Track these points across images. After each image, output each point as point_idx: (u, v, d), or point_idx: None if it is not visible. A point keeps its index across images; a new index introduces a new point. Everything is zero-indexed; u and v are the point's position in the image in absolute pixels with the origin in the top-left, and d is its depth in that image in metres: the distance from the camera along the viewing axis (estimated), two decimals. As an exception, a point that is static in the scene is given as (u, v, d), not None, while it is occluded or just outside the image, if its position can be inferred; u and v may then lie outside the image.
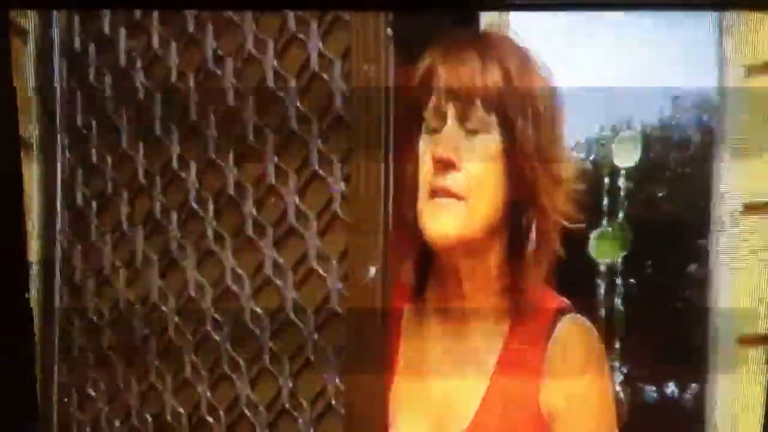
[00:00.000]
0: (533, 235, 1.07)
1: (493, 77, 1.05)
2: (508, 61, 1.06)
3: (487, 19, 1.21)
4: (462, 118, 1.06)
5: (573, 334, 1.09)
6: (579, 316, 1.10)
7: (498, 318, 1.10)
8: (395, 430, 1.10)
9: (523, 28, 1.26)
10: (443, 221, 1.06)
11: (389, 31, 1.05)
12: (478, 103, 1.05)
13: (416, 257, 1.13)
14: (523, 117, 1.05)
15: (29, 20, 1.33)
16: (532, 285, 1.09)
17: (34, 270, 1.33)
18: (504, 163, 1.06)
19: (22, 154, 1.30)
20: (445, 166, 1.05)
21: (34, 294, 1.32)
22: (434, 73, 1.07)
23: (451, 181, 1.05)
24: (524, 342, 1.09)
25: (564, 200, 1.08)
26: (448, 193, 1.05)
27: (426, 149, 1.07)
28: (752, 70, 1.21)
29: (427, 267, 1.13)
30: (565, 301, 1.11)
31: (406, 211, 1.08)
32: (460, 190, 1.05)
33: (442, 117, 1.07)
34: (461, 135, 1.06)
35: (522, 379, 1.07)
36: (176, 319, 1.21)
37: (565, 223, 1.09)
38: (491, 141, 1.06)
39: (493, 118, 1.05)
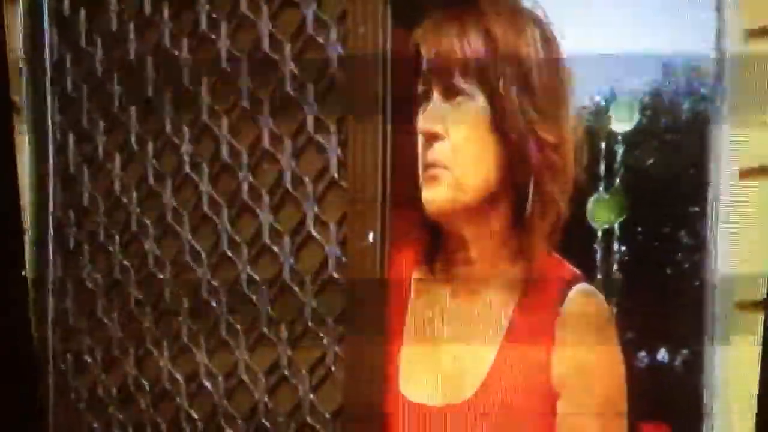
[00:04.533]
0: (530, 198, 1.07)
1: (473, 44, 1.05)
2: (493, 23, 1.06)
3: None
4: (445, 90, 1.06)
5: (584, 304, 1.09)
6: (589, 285, 1.11)
7: (508, 285, 1.10)
8: (404, 395, 1.10)
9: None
10: (433, 192, 1.07)
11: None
12: (457, 73, 1.05)
13: (424, 228, 1.13)
14: (505, 80, 1.05)
15: (18, -17, 1.31)
16: (538, 249, 1.09)
17: (27, 237, 1.32)
18: (493, 129, 1.06)
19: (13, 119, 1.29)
20: (431, 138, 1.06)
21: (26, 261, 1.32)
22: (418, 50, 1.08)
23: (438, 152, 1.06)
24: (535, 310, 1.09)
25: (566, 163, 1.08)
26: (436, 165, 1.06)
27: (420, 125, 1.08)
28: (751, 35, 1.20)
29: (436, 237, 1.13)
30: (575, 270, 1.11)
31: (408, 184, 1.09)
32: (446, 159, 1.06)
33: (429, 92, 1.08)
34: (446, 107, 1.07)
35: (532, 347, 1.07)
36: (172, 285, 1.20)
37: (571, 186, 1.09)
38: (476, 109, 1.06)
39: (475, 86, 1.05)
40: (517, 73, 1.05)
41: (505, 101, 1.05)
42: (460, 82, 1.06)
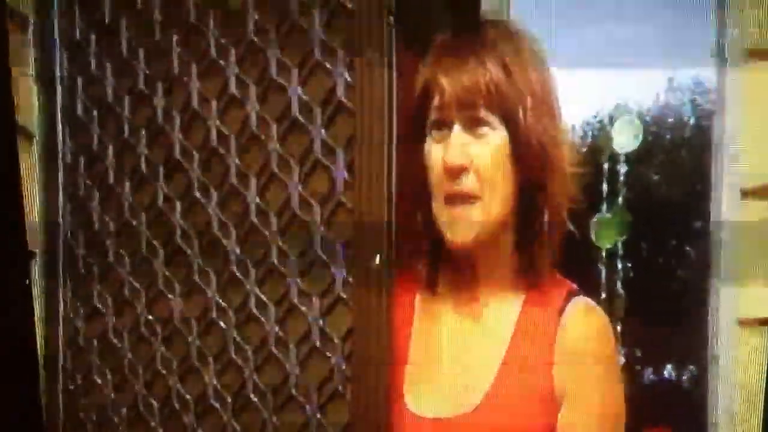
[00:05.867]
0: (544, 218, 1.09)
1: (493, 75, 1.07)
2: (505, 53, 1.08)
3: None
4: (468, 124, 1.08)
5: (583, 316, 1.11)
6: (588, 298, 1.13)
7: (510, 300, 1.12)
8: (410, 410, 1.11)
9: (522, 9, 1.27)
10: (462, 226, 1.08)
11: (391, 18, 1.05)
12: (482, 106, 1.07)
13: (428, 252, 1.15)
14: (523, 107, 1.07)
15: (29, 8, 1.33)
16: (547, 265, 1.11)
17: (38, 259, 1.34)
18: (511, 155, 1.08)
19: (23, 144, 1.30)
20: (457, 172, 1.07)
21: (36, 283, 1.33)
22: (436, 83, 1.09)
23: (465, 184, 1.08)
24: (536, 323, 1.10)
25: (569, 182, 1.10)
26: (463, 196, 1.08)
27: (436, 155, 1.09)
28: (752, 53, 1.21)
29: (439, 260, 1.15)
30: (573, 285, 1.13)
31: (416, 209, 1.11)
32: (475, 190, 1.08)
33: (449, 124, 1.08)
34: (469, 139, 1.08)
35: (534, 359, 1.09)
36: (180, 307, 1.22)
37: (571, 204, 1.11)
38: (497, 137, 1.08)
39: (496, 116, 1.07)
40: (532, 100, 1.08)
41: (525, 127, 1.07)
42: (484, 114, 1.07)
